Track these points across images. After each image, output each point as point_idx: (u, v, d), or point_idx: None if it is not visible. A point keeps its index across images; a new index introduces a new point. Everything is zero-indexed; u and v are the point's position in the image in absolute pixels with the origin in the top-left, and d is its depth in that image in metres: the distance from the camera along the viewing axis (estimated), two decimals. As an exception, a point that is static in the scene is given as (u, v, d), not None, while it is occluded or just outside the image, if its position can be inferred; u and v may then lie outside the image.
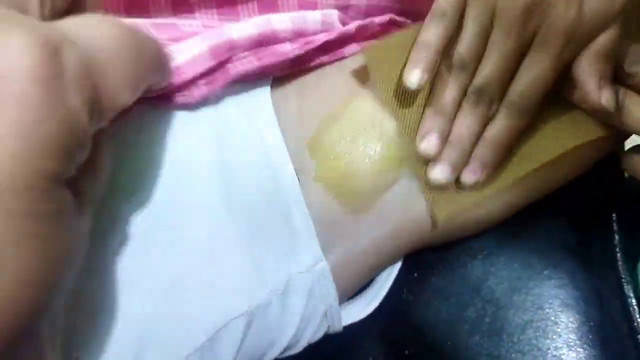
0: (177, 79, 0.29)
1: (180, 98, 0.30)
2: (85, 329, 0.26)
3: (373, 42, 0.35)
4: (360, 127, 0.33)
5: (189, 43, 0.31)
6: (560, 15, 0.30)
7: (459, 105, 0.33)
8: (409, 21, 0.39)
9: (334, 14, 0.36)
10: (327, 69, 0.35)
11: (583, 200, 0.38)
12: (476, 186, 0.33)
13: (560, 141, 0.34)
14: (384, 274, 0.39)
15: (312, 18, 0.35)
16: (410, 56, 0.32)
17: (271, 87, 0.34)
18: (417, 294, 0.39)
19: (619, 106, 0.31)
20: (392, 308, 0.39)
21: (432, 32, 0.32)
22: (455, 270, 0.38)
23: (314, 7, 0.37)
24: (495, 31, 0.31)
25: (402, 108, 0.33)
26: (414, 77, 0.31)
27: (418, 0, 0.38)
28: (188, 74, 0.29)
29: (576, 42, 0.31)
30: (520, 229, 0.37)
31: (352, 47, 0.36)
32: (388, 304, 0.39)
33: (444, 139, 0.33)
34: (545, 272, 0.36)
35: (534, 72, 0.31)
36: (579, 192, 0.38)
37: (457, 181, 0.34)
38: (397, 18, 0.38)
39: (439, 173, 0.33)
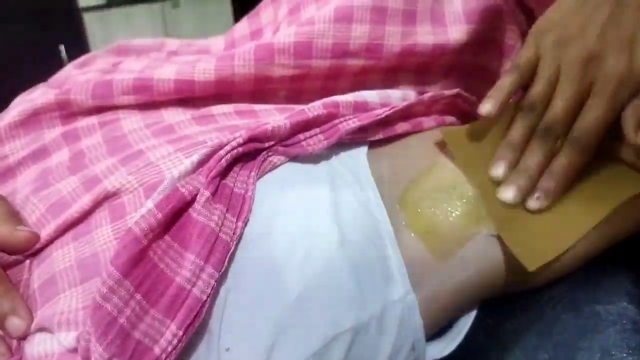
0: (304, 117, 0.40)
1: (309, 148, 0.40)
2: (236, 327, 0.34)
3: (451, 127, 0.44)
4: (443, 188, 0.41)
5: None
6: (613, 66, 0.38)
7: (526, 142, 0.41)
8: (474, 97, 0.47)
9: (410, 93, 0.47)
10: (412, 140, 0.45)
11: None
12: (539, 211, 0.40)
13: (628, 186, 0.40)
14: (462, 320, 0.44)
15: (394, 94, 0.46)
16: (486, 95, 0.42)
17: (368, 156, 0.43)
18: (494, 338, 0.44)
19: None
20: (470, 351, 0.44)
21: (506, 80, 0.41)
22: (527, 316, 0.43)
23: None
24: (561, 80, 0.40)
25: (478, 175, 0.41)
26: (487, 106, 0.41)
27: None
28: (309, 115, 0.40)
29: (628, 87, 0.39)
30: (586, 277, 0.42)
31: (430, 121, 0.46)
32: (466, 347, 0.44)
33: (512, 167, 0.41)
34: (610, 319, 0.41)
35: (593, 114, 0.39)
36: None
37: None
38: (464, 93, 0.47)
39: (506, 193, 0.40)
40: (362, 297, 0.37)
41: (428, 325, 0.40)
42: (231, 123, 0.43)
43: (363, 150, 0.43)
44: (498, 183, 0.41)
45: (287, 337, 0.34)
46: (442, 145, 0.44)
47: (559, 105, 0.40)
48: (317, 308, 0.35)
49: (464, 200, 0.41)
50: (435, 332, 0.44)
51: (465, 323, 0.44)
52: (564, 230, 0.39)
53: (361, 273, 0.37)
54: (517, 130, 0.41)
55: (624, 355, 0.39)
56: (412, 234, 0.40)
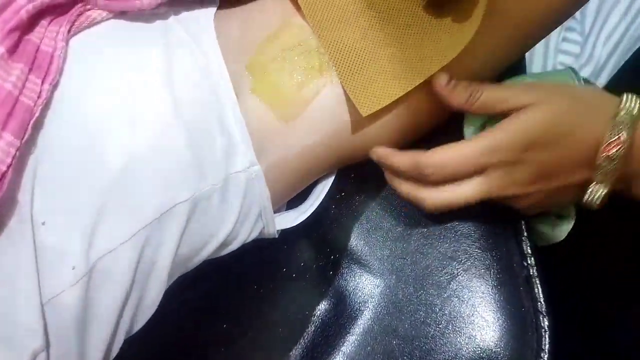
0: None
1: (137, 2, 0.35)
2: (50, 200, 0.32)
3: None
4: (290, 47, 0.39)
5: None
6: None
7: None
8: None
9: None
10: (264, 1, 0.41)
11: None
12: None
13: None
14: (317, 190, 0.45)
15: None
16: None
17: (217, 17, 0.39)
18: (343, 210, 0.45)
19: None
20: (323, 221, 0.45)
21: None
22: (375, 188, 0.45)
23: None
24: None
25: (323, 25, 0.39)
26: None
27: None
28: None
29: None
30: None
31: None
32: (319, 218, 0.45)
33: None
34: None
35: None
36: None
37: None
38: None
39: None
40: (201, 168, 0.35)
41: (277, 193, 0.40)
42: None
43: (210, 10, 0.39)
44: (343, 25, 0.39)
45: (114, 209, 0.33)
46: (295, 3, 0.41)
47: None
48: (147, 179, 0.34)
49: (309, 54, 0.39)
50: (292, 202, 0.44)
51: (319, 194, 0.45)
52: (401, 78, 0.39)
53: (198, 142, 0.35)
54: None
55: (456, 223, 0.42)
56: (258, 100, 0.38)
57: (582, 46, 0.87)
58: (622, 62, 0.82)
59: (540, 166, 0.37)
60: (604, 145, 0.37)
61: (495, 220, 0.42)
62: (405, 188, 0.40)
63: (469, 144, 0.38)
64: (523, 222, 0.43)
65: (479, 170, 0.38)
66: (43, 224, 0.31)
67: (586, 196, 0.38)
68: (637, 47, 0.81)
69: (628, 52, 0.83)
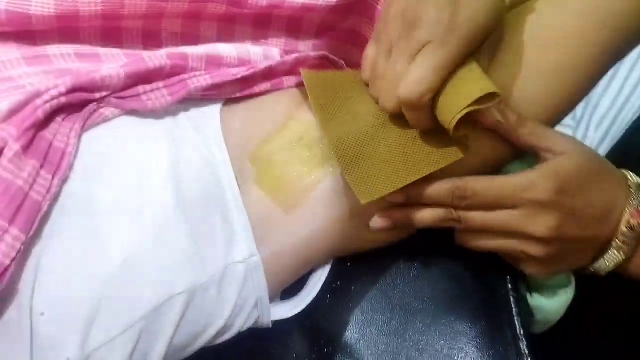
0: (142, 66, 0.37)
1: (149, 103, 0.37)
2: (51, 290, 0.32)
3: (314, 70, 0.43)
4: (294, 140, 0.41)
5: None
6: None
7: None
8: (341, 61, 0.46)
9: (274, 50, 0.44)
10: (271, 96, 0.43)
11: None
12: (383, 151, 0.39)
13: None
14: (313, 279, 0.44)
15: (254, 50, 0.43)
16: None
17: (222, 110, 0.41)
18: (339, 300, 0.45)
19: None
20: (318, 311, 0.45)
21: None
22: (370, 280, 0.44)
23: None
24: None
25: (328, 121, 0.40)
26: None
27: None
28: (149, 65, 0.37)
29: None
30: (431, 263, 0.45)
31: (291, 80, 0.43)
32: (314, 307, 0.45)
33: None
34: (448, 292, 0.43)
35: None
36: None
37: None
38: (331, 56, 0.45)
39: None
40: (201, 259, 0.36)
41: (274, 283, 0.40)
42: (67, 66, 0.39)
43: (217, 107, 0.41)
44: (347, 123, 0.40)
45: (113, 301, 0.33)
46: (300, 97, 0.42)
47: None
48: (147, 271, 0.34)
49: (312, 146, 0.40)
50: (287, 291, 0.44)
51: (316, 284, 0.44)
52: (399, 173, 0.39)
53: (200, 234, 0.36)
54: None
55: (453, 319, 0.42)
56: (260, 191, 0.39)
57: (574, 131, 0.89)
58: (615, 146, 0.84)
59: (566, 213, 0.39)
60: (627, 214, 0.39)
61: (492, 317, 0.42)
62: (437, 212, 0.40)
63: (511, 177, 0.40)
64: (519, 318, 0.42)
65: (511, 205, 0.39)
66: (42, 314, 0.31)
67: (602, 260, 0.40)
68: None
69: (620, 136, 0.85)
